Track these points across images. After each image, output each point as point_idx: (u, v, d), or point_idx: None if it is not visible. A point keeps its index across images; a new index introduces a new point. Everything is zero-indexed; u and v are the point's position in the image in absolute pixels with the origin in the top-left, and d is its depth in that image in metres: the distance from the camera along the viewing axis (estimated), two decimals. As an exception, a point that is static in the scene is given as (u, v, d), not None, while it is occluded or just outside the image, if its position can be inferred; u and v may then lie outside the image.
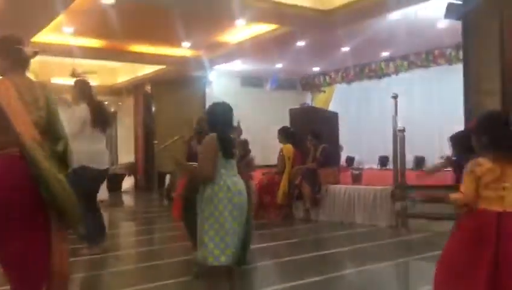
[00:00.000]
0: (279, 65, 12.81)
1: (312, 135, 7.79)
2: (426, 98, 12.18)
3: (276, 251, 5.55)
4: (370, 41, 9.88)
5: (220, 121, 3.38)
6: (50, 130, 2.71)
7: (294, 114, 9.36)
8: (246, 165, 5.05)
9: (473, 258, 2.53)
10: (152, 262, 5.11)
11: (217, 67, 12.10)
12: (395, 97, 7.03)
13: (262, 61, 12.14)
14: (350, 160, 12.97)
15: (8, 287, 2.61)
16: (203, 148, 3.41)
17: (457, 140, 4.47)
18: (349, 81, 14.01)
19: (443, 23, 8.69)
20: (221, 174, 3.26)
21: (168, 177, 11.76)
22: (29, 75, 2.93)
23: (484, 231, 2.54)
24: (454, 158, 4.70)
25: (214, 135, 3.29)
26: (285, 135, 7.79)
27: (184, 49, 10.24)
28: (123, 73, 13.49)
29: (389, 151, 12.42)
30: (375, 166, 12.98)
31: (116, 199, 12.11)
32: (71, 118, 5.07)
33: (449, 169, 5.23)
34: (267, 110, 13.23)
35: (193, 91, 13.26)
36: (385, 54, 12.07)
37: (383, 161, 12.66)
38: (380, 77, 13.10)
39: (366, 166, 12.82)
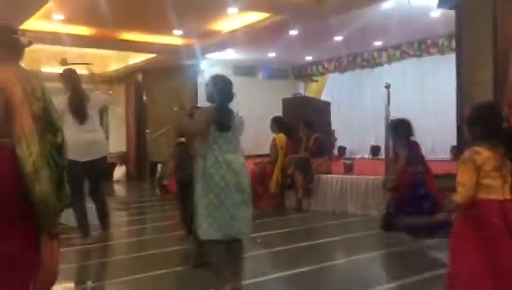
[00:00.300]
0: (271, 54, 12.75)
1: (305, 124, 7.77)
2: (418, 87, 12.20)
3: (268, 241, 5.54)
4: (363, 31, 9.84)
5: (219, 92, 3.33)
6: (48, 121, 2.67)
7: (286, 103, 9.34)
8: None
9: (491, 250, 2.50)
10: (145, 252, 5.10)
11: (209, 56, 12.01)
12: (387, 87, 7.01)
13: (254, 50, 12.07)
14: (342, 149, 13.00)
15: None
16: (196, 115, 3.43)
17: (393, 127, 5.15)
18: (341, 71, 13.99)
19: (436, 13, 8.67)
20: (213, 150, 3.20)
21: (159, 167, 11.73)
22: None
23: (491, 221, 2.53)
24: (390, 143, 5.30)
25: (211, 106, 3.27)
26: (278, 124, 7.76)
27: (175, 38, 10.14)
28: (114, 61, 13.35)
29: (380, 141, 12.53)
30: (367, 156, 13.03)
31: (108, 188, 12.05)
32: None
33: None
34: (260, 100, 13.20)
35: (185, 80, 13.16)
36: (378, 43, 12.05)
37: (375, 150, 12.70)
38: (372, 67, 13.10)
39: (358, 156, 12.87)
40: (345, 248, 5.36)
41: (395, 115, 6.82)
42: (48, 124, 2.66)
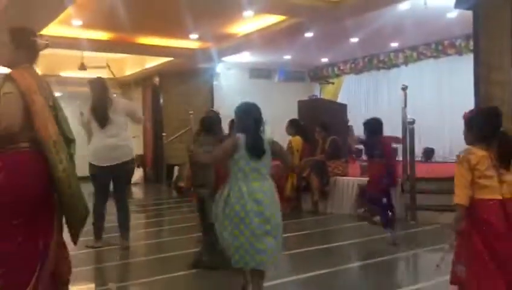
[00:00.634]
0: (287, 57, 12.75)
1: (321, 126, 7.76)
2: (436, 89, 12.07)
3: (284, 244, 5.51)
4: (379, 32, 9.80)
5: (242, 123, 3.28)
6: (60, 130, 2.63)
7: (302, 106, 9.33)
8: None
9: (492, 249, 2.58)
10: (162, 254, 5.14)
11: (225, 59, 12.08)
12: (404, 89, 6.97)
13: (270, 53, 12.09)
14: (358, 152, 12.92)
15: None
16: (223, 144, 3.39)
17: (368, 125, 5.67)
18: (358, 72, 13.93)
19: (453, 13, 8.59)
20: (237, 179, 3.16)
21: (176, 169, 11.81)
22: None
23: (490, 221, 2.62)
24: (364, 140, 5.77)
25: (238, 136, 3.21)
26: (294, 127, 7.76)
27: (192, 41, 10.22)
28: (131, 65, 13.51)
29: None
30: (384, 158, 12.93)
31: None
32: (82, 119, 5.27)
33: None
34: (276, 102, 13.18)
35: (201, 83, 13.25)
36: (394, 44, 11.97)
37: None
38: (389, 68, 13.02)
39: (375, 158, 12.78)
40: (361, 251, 5.34)
41: (412, 117, 6.80)
42: (61, 134, 2.64)
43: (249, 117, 3.24)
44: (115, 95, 5.79)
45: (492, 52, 6.69)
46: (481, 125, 2.81)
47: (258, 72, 14.16)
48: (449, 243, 2.99)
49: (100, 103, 5.12)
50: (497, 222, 2.62)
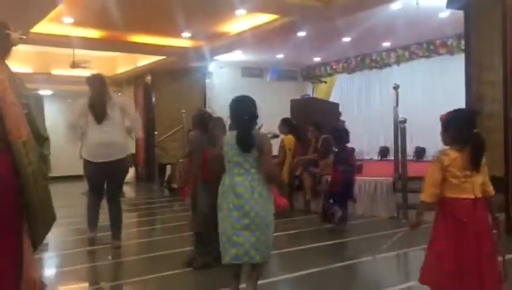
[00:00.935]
0: (280, 56, 12.76)
1: (313, 125, 7.77)
2: (427, 88, 12.14)
3: (276, 242, 5.53)
4: (371, 32, 9.83)
5: (232, 116, 3.31)
6: (32, 130, 2.42)
7: (295, 105, 9.34)
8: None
9: (462, 245, 2.77)
10: (154, 253, 5.13)
11: (217, 57, 12.06)
12: (396, 88, 7.00)
13: (263, 52, 12.09)
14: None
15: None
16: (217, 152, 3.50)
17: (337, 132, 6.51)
18: (350, 72, 13.98)
19: (445, 13, 8.64)
20: (226, 172, 3.26)
21: (168, 168, 11.79)
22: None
23: (462, 218, 2.79)
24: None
25: (231, 133, 3.28)
26: (286, 125, 7.77)
27: (184, 40, 10.19)
28: (123, 64, 13.44)
29: (389, 142, 12.49)
30: (376, 157, 12.99)
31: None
32: (71, 111, 5.20)
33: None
34: (268, 101, 13.14)
35: (193, 82, 13.22)
36: (386, 44, 12.02)
37: (384, 151, 12.65)
38: (381, 67, 13.07)
39: (367, 157, 12.84)
40: (352, 250, 5.36)
41: (404, 116, 6.83)
42: (33, 134, 2.41)
43: (241, 111, 3.26)
44: (119, 94, 5.73)
45: (483, 52, 6.74)
46: (457, 126, 2.92)
47: (251, 71, 14.16)
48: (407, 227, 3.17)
49: (99, 98, 5.06)
50: (468, 219, 2.79)
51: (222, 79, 13.77)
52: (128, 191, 12.27)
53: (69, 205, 8.70)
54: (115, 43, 10.20)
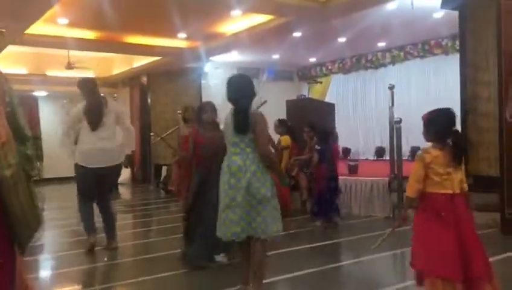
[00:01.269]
0: (275, 56, 12.77)
1: (309, 126, 7.77)
2: (422, 88, 12.19)
3: (272, 242, 5.55)
4: (366, 32, 9.85)
5: (227, 95, 3.37)
6: (15, 129, 2.29)
7: (291, 105, 9.35)
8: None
9: (439, 231, 2.98)
10: (150, 255, 5.12)
11: (213, 58, 12.05)
12: (391, 88, 7.02)
13: (258, 52, 12.10)
14: (346, 151, 12.99)
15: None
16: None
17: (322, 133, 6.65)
18: (345, 72, 14.01)
19: (439, 13, 8.67)
20: (227, 154, 3.35)
21: (164, 169, 11.76)
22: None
23: (441, 211, 2.98)
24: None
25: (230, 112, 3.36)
26: (283, 126, 7.77)
27: (180, 40, 10.18)
28: (118, 65, 13.42)
29: (385, 142, 12.52)
30: (371, 157, 13.02)
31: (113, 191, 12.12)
32: (67, 118, 5.20)
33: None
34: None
35: (189, 82, 13.22)
36: (381, 44, 12.05)
37: (379, 151, 12.69)
38: (376, 68, 13.11)
39: (362, 157, 12.86)
40: (349, 250, 5.36)
41: (399, 116, 6.85)
42: (15, 133, 2.27)
43: (235, 91, 3.33)
44: (102, 95, 5.70)
45: (478, 52, 6.77)
46: (437, 125, 3.12)
47: (246, 72, 14.10)
48: (392, 226, 3.32)
49: (96, 104, 5.04)
50: (447, 213, 2.98)
51: (218, 79, 13.73)
52: (124, 192, 12.26)
53: (65, 206, 8.68)
54: (110, 44, 10.18)
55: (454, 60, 9.48)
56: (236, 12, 8.19)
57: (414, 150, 11.51)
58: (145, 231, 7.01)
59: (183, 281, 4.08)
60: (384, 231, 3.41)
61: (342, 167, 8.19)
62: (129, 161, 13.95)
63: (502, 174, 5.50)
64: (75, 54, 11.17)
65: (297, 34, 9.77)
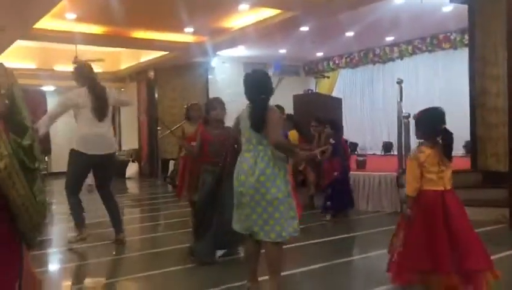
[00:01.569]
0: (282, 51, 12.73)
1: (316, 120, 7.75)
2: (431, 83, 12.11)
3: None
4: (374, 26, 9.79)
5: (245, 91, 3.33)
6: (13, 120, 2.25)
7: (298, 100, 9.33)
8: None
9: (430, 227, 3.16)
10: (157, 249, 5.14)
11: (220, 53, 12.03)
12: (399, 82, 6.97)
13: (265, 47, 12.06)
14: (354, 146, 12.96)
15: None
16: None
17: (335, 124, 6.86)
18: (353, 67, 13.94)
19: (448, 7, 8.59)
20: (242, 150, 3.32)
21: (171, 164, 11.78)
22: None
23: (433, 208, 3.17)
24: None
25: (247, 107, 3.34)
26: (290, 121, 7.75)
27: (187, 35, 10.17)
28: (126, 59, 13.44)
29: (392, 137, 12.47)
30: (379, 152, 12.97)
31: (120, 185, 12.17)
32: (61, 100, 5.07)
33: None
34: (271, 97, 13.17)
35: (196, 77, 13.22)
36: (389, 38, 11.97)
37: (387, 146, 12.64)
38: (384, 62, 13.03)
39: (370, 152, 12.82)
40: (357, 245, 5.36)
41: (407, 111, 6.80)
42: (14, 124, 2.24)
43: (253, 89, 3.27)
44: (114, 90, 5.69)
45: (487, 47, 6.71)
46: (427, 124, 3.30)
47: (253, 66, 13.96)
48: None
49: (102, 93, 5.04)
50: (437, 209, 3.16)
51: (225, 74, 13.75)
52: (131, 186, 12.32)
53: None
54: (118, 39, 10.19)
55: (462, 54, 9.41)
56: (243, 7, 8.17)
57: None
58: (153, 225, 7.03)
59: (191, 276, 4.10)
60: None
61: (350, 162, 8.18)
62: (136, 156, 14.01)
63: (511, 169, 5.46)
64: (83, 49, 11.20)
65: (304, 29, 9.73)
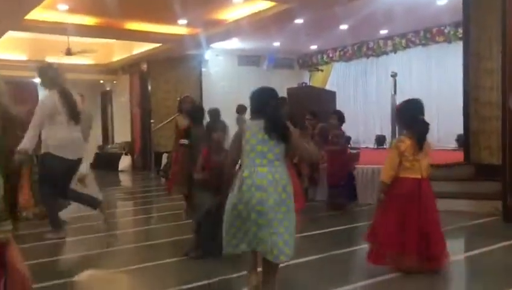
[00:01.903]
0: (276, 43, 12.69)
1: (310, 113, 7.74)
2: (424, 76, 12.13)
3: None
4: (368, 19, 9.77)
5: (264, 103, 3.08)
6: None
7: (292, 93, 9.31)
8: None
9: (404, 213, 3.47)
10: (150, 241, 5.12)
11: (213, 45, 11.98)
12: (394, 76, 6.98)
13: (259, 40, 12.02)
14: (347, 139, 12.95)
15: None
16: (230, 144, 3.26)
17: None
18: (346, 60, 13.93)
19: (442, 1, 8.60)
20: (244, 166, 2.96)
21: (164, 157, 11.74)
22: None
23: (410, 194, 3.46)
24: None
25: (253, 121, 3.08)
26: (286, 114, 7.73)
27: (180, 27, 10.11)
28: (118, 51, 13.34)
29: (385, 131, 12.50)
30: (371, 145, 13.00)
31: (113, 178, 12.13)
32: (42, 111, 4.85)
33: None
34: (264, 89, 13.14)
35: (190, 70, 13.16)
36: (383, 32, 11.97)
37: (380, 140, 12.66)
38: (378, 55, 13.03)
39: (363, 145, 12.84)
40: (350, 238, 5.36)
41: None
42: None
43: (268, 98, 3.09)
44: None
45: (481, 40, 6.72)
46: (405, 115, 3.56)
47: (247, 59, 14.08)
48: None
49: (70, 95, 4.96)
50: (414, 195, 3.46)
51: (218, 67, 13.71)
52: (124, 179, 12.28)
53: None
54: (111, 31, 10.11)
55: (456, 48, 9.43)
56: (237, -1, 8.12)
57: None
58: (146, 218, 7.01)
59: (186, 267, 4.08)
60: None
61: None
62: (129, 149, 13.95)
63: (504, 162, 5.48)
64: (75, 41, 11.10)
65: (298, 21, 9.69)
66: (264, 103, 3.07)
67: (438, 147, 9.77)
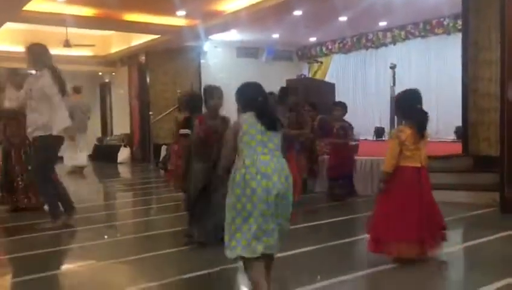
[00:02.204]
0: (275, 35, 12.66)
1: (310, 105, 7.74)
2: (423, 68, 12.12)
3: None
4: (367, 11, 9.75)
5: (253, 97, 3.05)
6: None
7: (291, 85, 9.28)
8: None
9: (405, 201, 3.55)
10: (149, 232, 5.14)
11: (212, 37, 11.95)
12: (393, 67, 6.97)
13: (258, 31, 11.99)
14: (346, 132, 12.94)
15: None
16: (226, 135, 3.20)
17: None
18: (346, 52, 13.91)
19: (442, -8, 8.58)
20: (244, 156, 2.83)
21: (163, 149, 11.75)
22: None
23: (411, 182, 3.55)
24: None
25: (243, 116, 2.99)
26: (285, 105, 7.72)
27: (179, 18, 10.07)
28: (116, 43, 13.29)
29: (384, 123, 12.50)
30: (370, 137, 13.00)
31: (113, 170, 12.14)
32: (54, 89, 4.91)
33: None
34: (263, 82, 12.85)
35: (188, 61, 13.13)
36: (382, 23, 11.95)
37: (379, 132, 12.67)
38: (377, 47, 13.02)
39: (362, 137, 12.84)
40: (349, 229, 5.38)
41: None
42: None
43: (255, 92, 3.07)
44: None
45: (480, 31, 6.71)
46: (405, 104, 3.63)
47: (246, 51, 14.05)
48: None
49: (58, 70, 5.00)
50: (415, 183, 3.54)
51: (217, 59, 13.68)
52: (123, 171, 12.28)
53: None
54: (109, 22, 10.07)
55: (455, 40, 9.42)
56: (236, -10, 8.09)
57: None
58: (145, 209, 7.02)
59: (186, 257, 4.10)
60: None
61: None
62: (128, 141, 13.94)
63: (503, 154, 5.50)
64: (73, 32, 11.05)
65: (297, 13, 9.66)
66: (253, 98, 3.03)
67: (437, 138, 9.80)
